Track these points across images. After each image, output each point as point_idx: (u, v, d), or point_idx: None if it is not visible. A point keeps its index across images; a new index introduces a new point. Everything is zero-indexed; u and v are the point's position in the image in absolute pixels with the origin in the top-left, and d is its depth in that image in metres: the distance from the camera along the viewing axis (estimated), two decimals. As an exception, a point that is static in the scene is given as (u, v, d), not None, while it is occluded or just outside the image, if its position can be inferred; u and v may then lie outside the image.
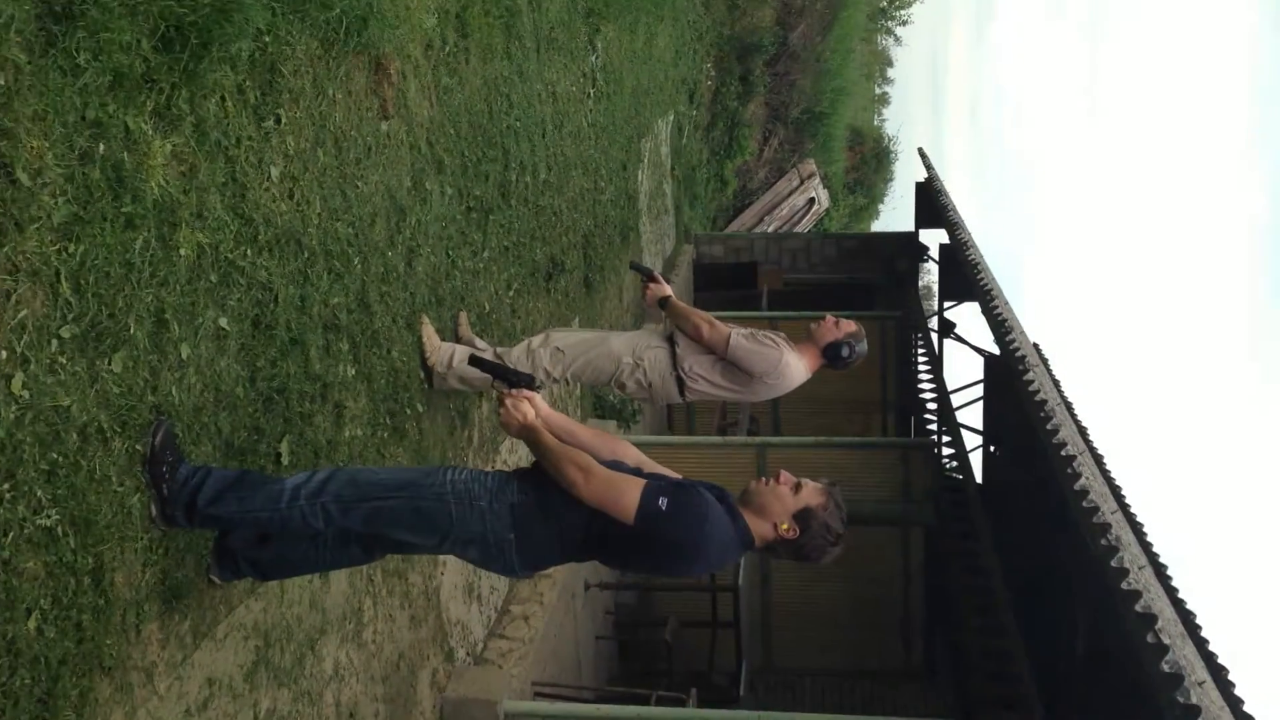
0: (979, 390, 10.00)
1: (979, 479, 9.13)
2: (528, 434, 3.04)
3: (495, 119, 5.99)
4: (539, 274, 6.85)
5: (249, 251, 3.42)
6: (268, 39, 3.50)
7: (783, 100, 16.46)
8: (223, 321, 3.27)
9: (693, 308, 4.99)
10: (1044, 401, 5.60)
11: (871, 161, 26.44)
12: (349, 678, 4.14)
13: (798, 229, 16.77)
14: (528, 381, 3.17)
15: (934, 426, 10.29)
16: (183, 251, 3.06)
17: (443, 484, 2.97)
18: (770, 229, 16.39)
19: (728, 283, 13.41)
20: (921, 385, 10.99)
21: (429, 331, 4.94)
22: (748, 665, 7.85)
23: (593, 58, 8.33)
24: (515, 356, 4.94)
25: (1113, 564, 4.18)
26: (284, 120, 3.67)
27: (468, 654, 5.51)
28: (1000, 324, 6.84)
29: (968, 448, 9.51)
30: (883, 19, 28.56)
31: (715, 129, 15.15)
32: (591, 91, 8.34)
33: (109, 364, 2.73)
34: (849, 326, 4.86)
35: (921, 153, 13.31)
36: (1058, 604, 5.75)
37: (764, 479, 3.08)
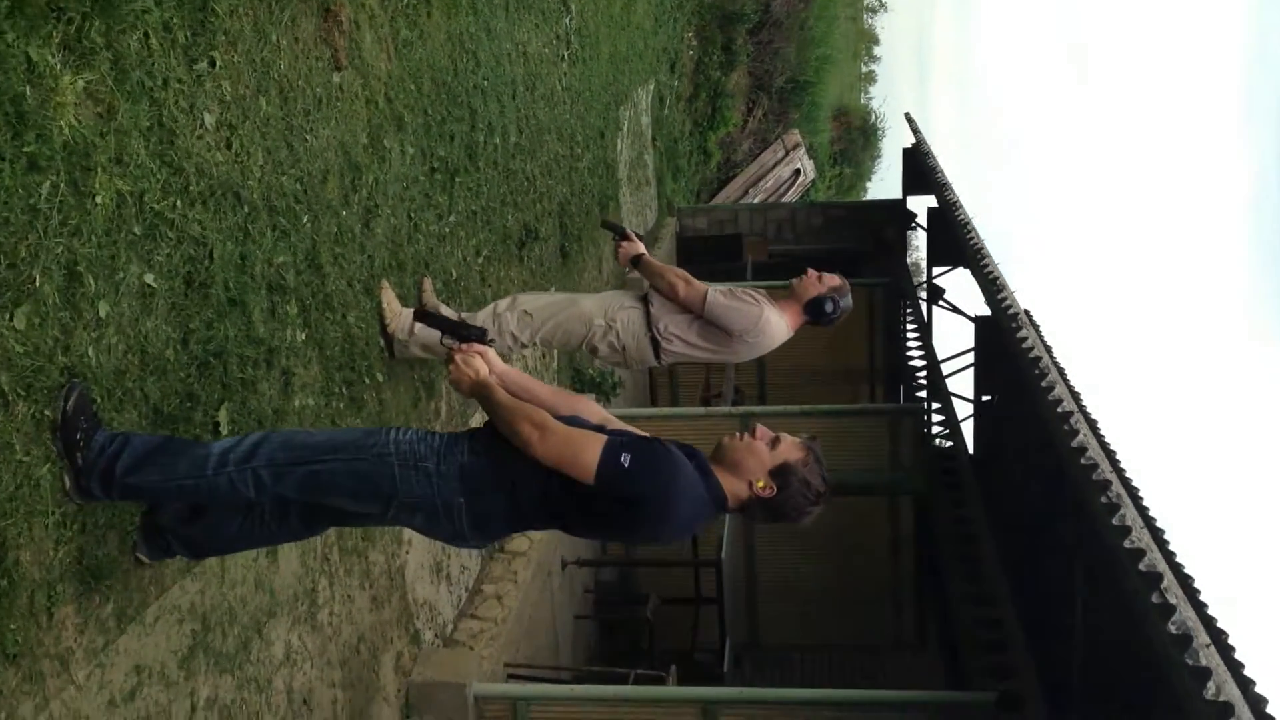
0: (968, 359, 9.80)
1: (970, 448, 8.91)
2: (480, 391, 2.81)
3: (461, 77, 5.72)
4: (511, 241, 6.59)
5: (179, 203, 3.16)
6: (196, -29, 3.23)
7: (766, 69, 16.17)
8: (148, 278, 3.02)
9: (667, 265, 4.75)
10: (1038, 359, 5.38)
11: (859, 138, 26.18)
12: (302, 662, 3.90)
13: (784, 201, 16.51)
14: (479, 335, 2.93)
15: (924, 395, 10.06)
16: (99, 199, 2.80)
17: (385, 444, 2.72)
18: (756, 201, 16.12)
19: (712, 255, 13.16)
20: (910, 353, 10.76)
21: (389, 296, 4.69)
22: (732, 641, 7.63)
23: (566, 19, 8.05)
24: (480, 320, 4.70)
25: (1114, 522, 3.96)
26: (219, 64, 3.40)
27: (436, 636, 5.27)
28: (992, 282, 6.61)
29: (959, 416, 9.30)
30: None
31: (698, 100, 14.86)
32: (566, 54, 8.06)
33: (10, 319, 2.48)
34: (832, 280, 4.63)
35: (909, 117, 13.05)
36: (1054, 570, 5.53)
37: (738, 434, 2.84)
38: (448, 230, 5.51)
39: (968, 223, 8.30)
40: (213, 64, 3.37)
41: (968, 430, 9.10)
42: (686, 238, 13.50)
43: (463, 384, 2.84)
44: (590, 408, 2.95)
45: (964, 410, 9.54)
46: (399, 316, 4.69)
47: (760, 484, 2.77)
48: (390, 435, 2.76)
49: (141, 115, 2.99)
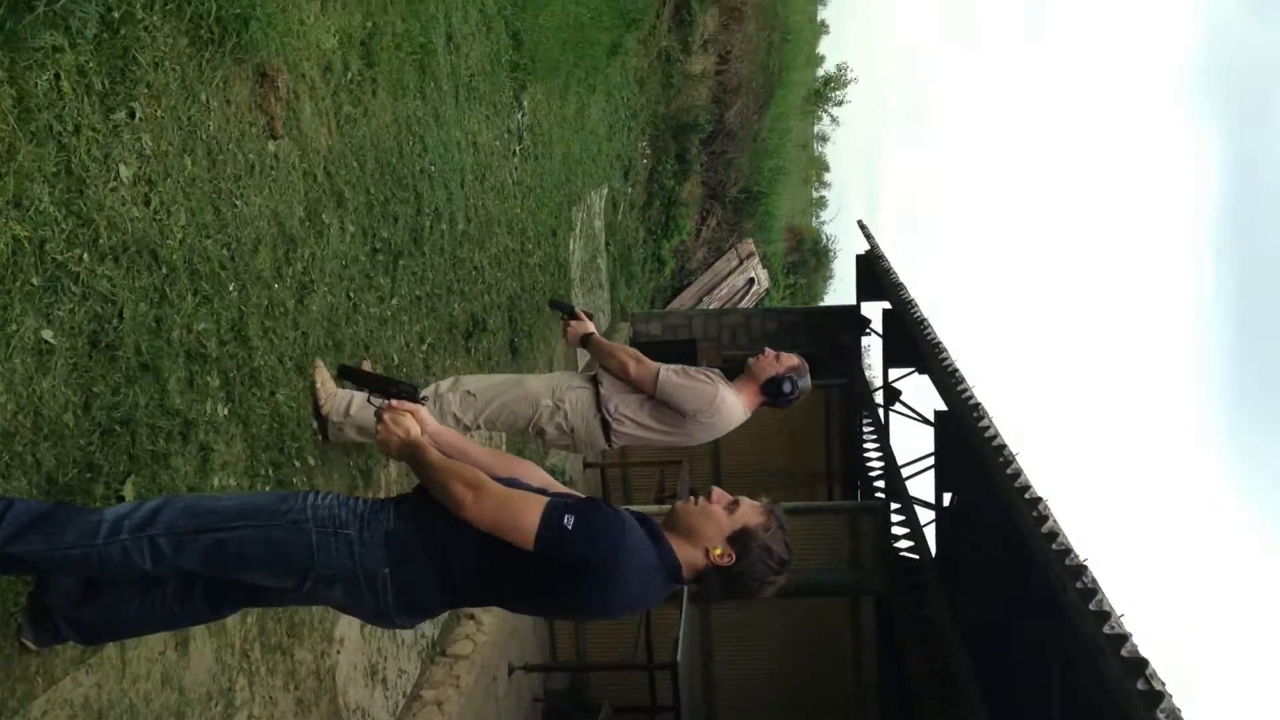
0: (927, 463, 9.64)
1: (932, 551, 8.68)
2: (409, 451, 2.56)
3: (407, 159, 5.57)
4: (457, 330, 6.38)
5: (86, 256, 2.93)
6: (116, 15, 3.05)
7: (720, 179, 16.29)
8: (46, 334, 2.77)
9: (617, 344, 4.55)
10: (1001, 446, 5.19)
11: (810, 258, 26.50)
12: (213, 769, 3.54)
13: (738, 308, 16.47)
14: (409, 392, 2.69)
15: (882, 497, 9.86)
16: (-9, 243, 2.56)
17: (301, 509, 2.46)
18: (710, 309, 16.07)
19: (665, 361, 13.00)
20: (868, 455, 10.59)
21: (323, 376, 4.44)
22: (690, 753, 7.24)
23: (519, 115, 7.99)
24: (421, 402, 4.45)
25: (1091, 608, 3.73)
26: (139, 115, 3.21)
27: (370, 744, 4.89)
28: (950, 374, 6.47)
29: (920, 520, 9.09)
30: (819, 101, 28.84)
31: (651, 208, 14.89)
32: (517, 149, 7.98)
33: (-126, 363, 2.22)
34: (790, 360, 4.45)
35: (862, 225, 13.11)
36: (1027, 668, 5.27)
37: (692, 498, 2.61)
38: (390, 314, 5.29)
39: (924, 319, 8.21)
40: (132, 115, 3.18)
41: (929, 534, 8.90)
42: (640, 343, 13.34)
43: (391, 444, 2.60)
44: (532, 471, 2.71)
45: (924, 515, 9.35)
46: (333, 398, 4.44)
47: (717, 551, 2.53)
48: (308, 500, 2.50)
49: (47, 159, 2.78)
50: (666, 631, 6.98)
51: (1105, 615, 3.77)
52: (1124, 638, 3.67)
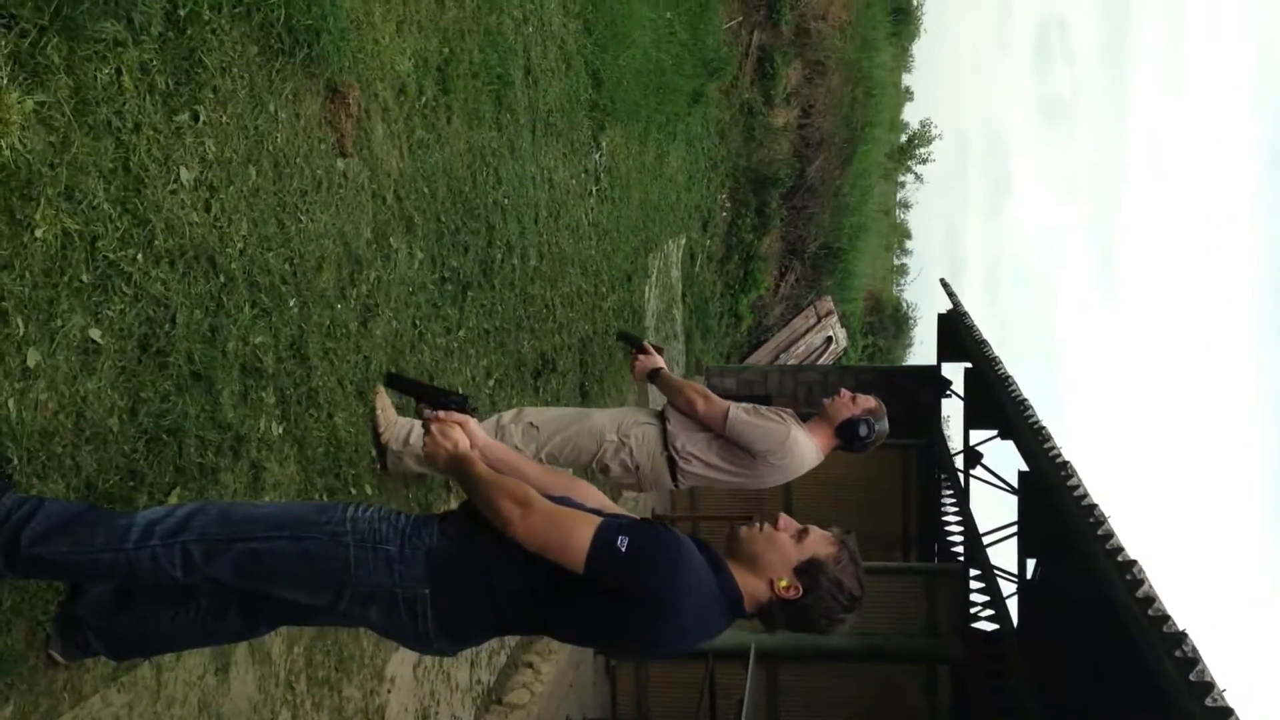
0: (1008, 530, 9.26)
1: (1014, 623, 8.28)
2: (456, 466, 2.39)
3: (480, 190, 5.48)
4: (525, 369, 6.25)
5: (140, 257, 2.83)
6: (182, 14, 2.98)
7: (799, 234, 16.10)
8: (94, 332, 2.66)
9: (686, 380, 4.37)
10: (1092, 507, 4.89)
11: (890, 325, 26.12)
12: (248, 803, 3.37)
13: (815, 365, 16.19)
14: (459, 403, 2.53)
15: (961, 563, 9.47)
16: (39, 233, 2.47)
17: (340, 521, 2.30)
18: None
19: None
20: (947, 520, 10.21)
21: (384, 403, 4.31)
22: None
23: (596, 156, 7.91)
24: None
25: (1191, 678, 3.42)
26: (204, 120, 3.13)
27: (417, 790, 4.69)
28: (1037, 432, 6.16)
29: (1001, 589, 8.69)
30: (903, 157, 28.58)
31: (730, 261, 14.74)
32: (594, 190, 7.89)
33: (-96, 345, 2.12)
34: (867, 402, 4.23)
35: (944, 283, 12.81)
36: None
37: (757, 524, 2.41)
38: (456, 345, 5.17)
39: (1008, 377, 7.90)
40: (196, 118, 3.10)
41: (1011, 605, 8.50)
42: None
43: (439, 457, 2.44)
44: (588, 491, 2.53)
45: (1006, 588, 8.95)
46: (393, 425, 4.31)
47: (783, 583, 2.32)
48: (347, 512, 2.34)
49: (104, 155, 2.69)
50: (731, 692, 6.70)
51: (1208, 687, 3.46)
52: (1227, 711, 3.37)
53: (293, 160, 3.66)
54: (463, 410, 2.51)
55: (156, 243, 2.90)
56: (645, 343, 4.54)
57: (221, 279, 3.20)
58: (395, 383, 2.93)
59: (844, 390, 4.26)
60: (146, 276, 2.86)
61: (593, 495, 2.51)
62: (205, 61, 3.12)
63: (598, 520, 2.24)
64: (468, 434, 2.46)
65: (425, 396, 2.59)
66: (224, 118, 3.25)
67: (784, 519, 2.42)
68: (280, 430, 3.56)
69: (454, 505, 5.06)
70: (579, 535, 2.20)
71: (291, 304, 3.62)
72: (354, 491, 4.10)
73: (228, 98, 3.26)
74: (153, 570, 2.27)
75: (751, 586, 2.33)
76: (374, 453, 4.27)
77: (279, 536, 2.29)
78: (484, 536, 2.29)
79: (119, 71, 2.77)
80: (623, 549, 2.18)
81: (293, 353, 3.63)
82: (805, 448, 4.11)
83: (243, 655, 3.33)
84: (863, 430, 4.12)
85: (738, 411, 4.10)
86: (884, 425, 4.19)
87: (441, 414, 2.48)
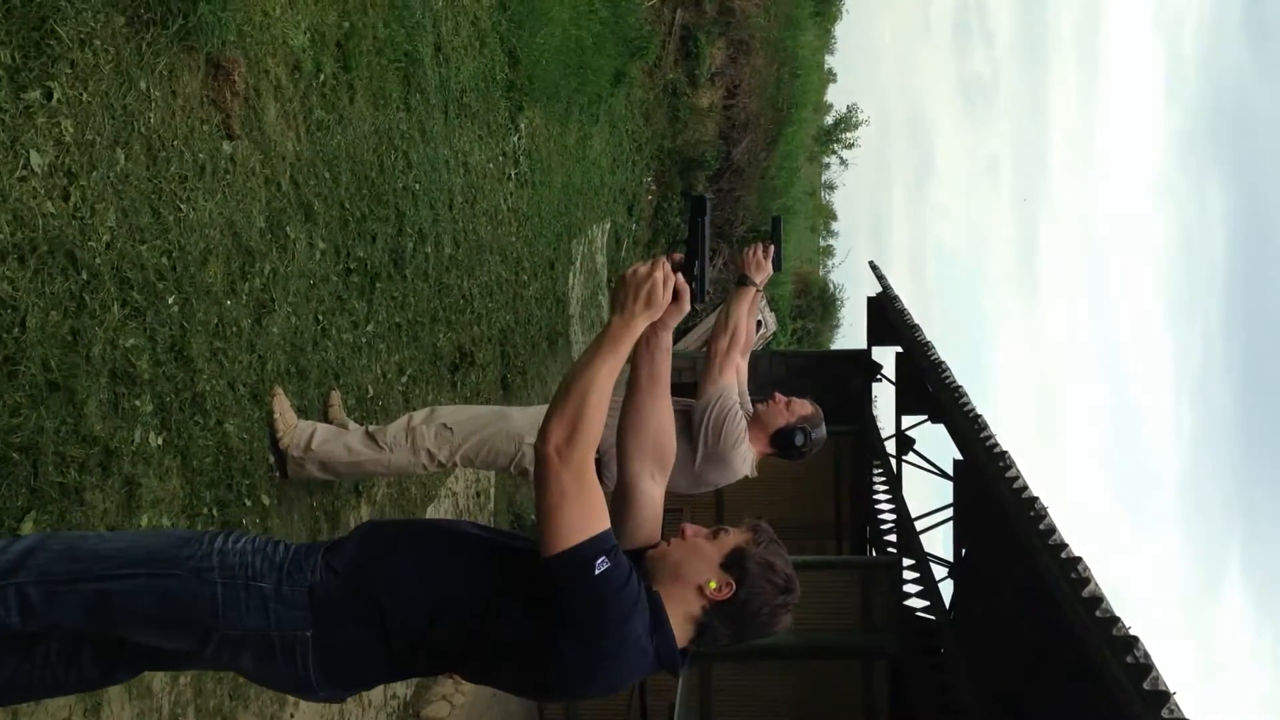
0: (941, 515, 9.14)
1: (949, 611, 8.16)
2: (632, 317, 2.09)
3: (388, 175, 5.15)
4: (441, 363, 5.93)
5: (-19, 253, 2.49)
6: (26, -22, 2.64)
7: (727, 218, 15.88)
8: (-78, 340, 2.32)
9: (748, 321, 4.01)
10: (1033, 499, 4.71)
11: (817, 306, 26.10)
12: None
13: (744, 352, 16.02)
14: (699, 279, 2.23)
15: (894, 552, 9.33)
16: None
17: (206, 555, 2.00)
18: (715, 351, 15.61)
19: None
20: (880, 507, 10.07)
21: (283, 406, 3.98)
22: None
23: (514, 138, 7.58)
24: (391, 435, 4.00)
25: (1145, 686, 3.23)
26: (58, 98, 2.78)
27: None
28: (973, 420, 5.99)
29: (935, 576, 8.56)
30: (830, 140, 28.54)
31: (657, 244, 14.49)
32: (513, 174, 7.57)
33: None
34: (803, 409, 3.97)
35: (873, 266, 12.69)
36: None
37: (663, 542, 2.18)
38: (365, 341, 4.84)
39: (941, 362, 7.75)
40: (49, 96, 2.75)
41: (944, 591, 8.37)
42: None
43: (638, 281, 2.11)
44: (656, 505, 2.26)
45: (939, 572, 8.82)
46: (293, 429, 3.98)
47: (712, 585, 2.09)
48: (215, 544, 2.04)
49: (-68, 136, 2.35)
50: (663, 694, 6.47)
51: (1163, 696, 3.28)
52: (1186, 721, 3.19)
53: (169, 143, 3.32)
54: (693, 292, 2.19)
55: (1, 236, 2.56)
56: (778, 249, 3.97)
57: (84, 276, 2.86)
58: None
59: (778, 395, 4.00)
60: (-11, 275, 2.52)
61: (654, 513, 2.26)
62: (59, 32, 2.78)
63: (606, 526, 1.98)
64: (671, 308, 2.15)
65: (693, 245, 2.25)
66: (84, 96, 2.90)
67: (690, 527, 2.19)
68: (159, 441, 3.22)
69: (363, 513, 4.76)
70: (584, 525, 1.94)
71: (170, 301, 3.28)
72: (249, 503, 3.77)
73: (88, 73, 2.92)
74: (-17, 618, 1.95)
75: (682, 604, 2.09)
76: (271, 460, 3.94)
77: (133, 574, 1.98)
78: (379, 568, 2.01)
79: (-49, 43, 2.43)
80: (598, 570, 1.92)
81: (173, 355, 3.29)
82: (741, 459, 3.87)
83: (117, 692, 2.99)
84: (799, 439, 3.88)
85: (730, 396, 3.80)
86: (821, 432, 3.95)
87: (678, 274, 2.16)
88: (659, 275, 2.10)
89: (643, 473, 2.23)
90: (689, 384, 11.61)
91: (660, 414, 2.25)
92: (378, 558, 2.06)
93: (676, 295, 2.15)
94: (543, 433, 1.98)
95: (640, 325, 2.10)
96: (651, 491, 2.23)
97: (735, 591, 2.09)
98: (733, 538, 2.16)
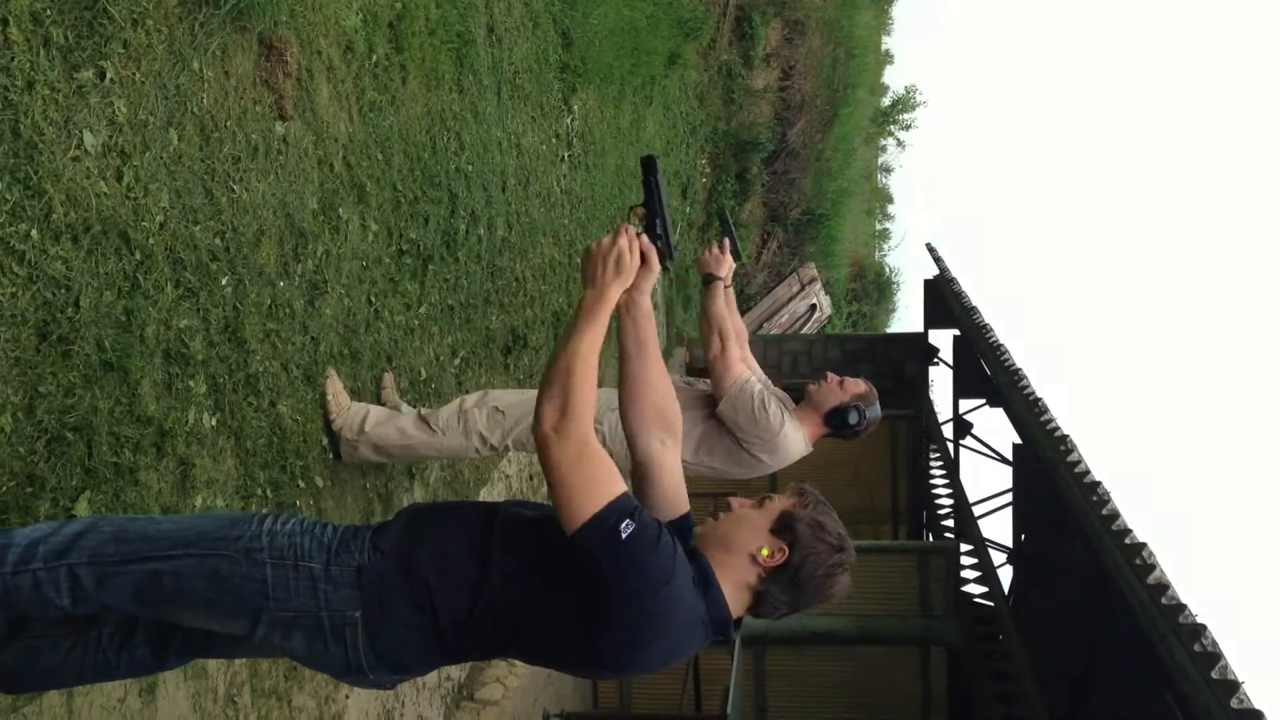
0: (1000, 500, 9.00)
1: (1007, 597, 8.03)
2: (603, 288, 2.09)
3: (440, 156, 5.13)
4: (494, 345, 5.92)
5: (35, 233, 2.49)
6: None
7: (782, 200, 15.75)
8: (-24, 319, 2.33)
9: (735, 314, 3.99)
10: (1095, 484, 4.60)
11: (873, 291, 25.82)
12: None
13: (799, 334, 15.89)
14: (666, 249, 2.23)
15: (952, 538, 9.21)
16: (-99, 205, 2.13)
17: (255, 536, 1.99)
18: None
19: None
20: (937, 492, 9.94)
21: (336, 387, 3.98)
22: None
23: (568, 120, 7.55)
24: (444, 418, 3.99)
25: (1213, 675, 3.13)
26: (111, 78, 2.78)
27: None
28: (1033, 404, 5.87)
29: (993, 562, 8.43)
30: (886, 121, 28.18)
31: (710, 229, 14.39)
32: (566, 156, 7.53)
33: None
34: (856, 387, 3.91)
35: (930, 248, 12.51)
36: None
37: (710, 518, 2.14)
38: (417, 323, 4.84)
39: (1000, 345, 7.61)
40: (102, 76, 2.75)
41: (1003, 577, 8.24)
42: (697, 369, 12.85)
43: (604, 251, 2.12)
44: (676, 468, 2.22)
45: (997, 558, 8.69)
46: (346, 411, 3.98)
47: (765, 551, 2.05)
48: (263, 525, 2.02)
49: (-16, 115, 2.35)
50: (717, 679, 6.43)
51: (1233, 686, 3.18)
52: (1256, 714, 3.09)
53: (223, 124, 3.31)
54: (661, 261, 2.19)
55: (55, 216, 2.56)
56: (732, 240, 4.01)
57: (137, 256, 2.86)
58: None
59: (830, 374, 3.95)
60: (43, 255, 2.52)
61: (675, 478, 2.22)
62: (111, 11, 2.77)
63: (624, 489, 1.94)
64: (640, 274, 2.15)
65: (652, 210, 2.25)
66: (137, 75, 2.90)
67: (736, 500, 2.17)
68: (214, 422, 3.22)
69: (416, 494, 4.76)
70: (597, 492, 1.90)
71: (224, 282, 3.28)
72: (302, 485, 3.78)
73: (141, 53, 2.91)
74: (35, 598, 1.95)
75: (735, 574, 2.06)
76: (325, 441, 3.95)
77: (183, 555, 1.97)
78: (427, 551, 1.99)
79: (4, 22, 2.43)
80: (623, 534, 1.88)
81: (226, 336, 3.30)
82: (792, 441, 3.81)
83: (172, 673, 3.01)
84: (853, 418, 3.82)
85: (752, 388, 3.77)
86: (875, 410, 3.89)
87: (641, 234, 2.16)
88: (624, 242, 2.10)
89: (652, 441, 2.18)
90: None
91: (655, 378, 2.21)
92: (423, 537, 2.04)
93: (644, 259, 2.14)
94: (536, 417, 1.96)
95: (614, 294, 2.08)
96: (665, 459, 2.18)
97: (789, 555, 2.05)
98: (779, 503, 2.13)
